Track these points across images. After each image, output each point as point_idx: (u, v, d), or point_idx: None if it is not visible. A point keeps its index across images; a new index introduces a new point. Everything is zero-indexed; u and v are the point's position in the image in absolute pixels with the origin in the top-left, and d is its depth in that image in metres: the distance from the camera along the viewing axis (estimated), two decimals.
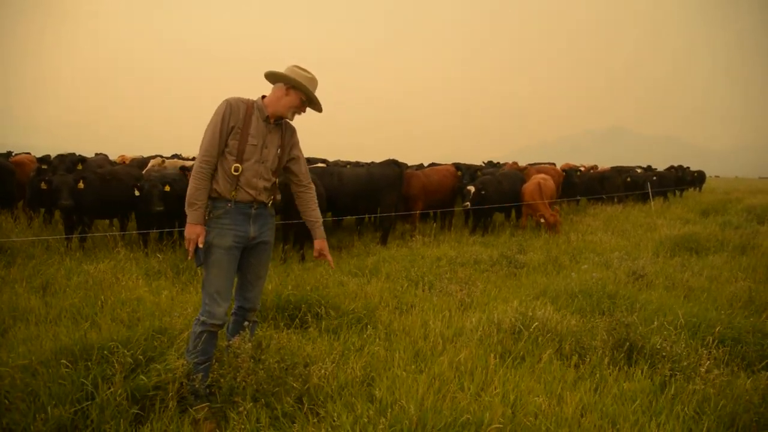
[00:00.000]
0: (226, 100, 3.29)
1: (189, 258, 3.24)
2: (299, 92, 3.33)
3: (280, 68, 3.38)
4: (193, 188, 3.20)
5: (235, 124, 3.25)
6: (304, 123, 3.55)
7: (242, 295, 3.52)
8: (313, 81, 3.35)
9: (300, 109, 3.38)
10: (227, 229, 3.26)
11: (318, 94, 3.40)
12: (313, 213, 3.61)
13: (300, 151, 3.58)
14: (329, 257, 3.60)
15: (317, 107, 3.49)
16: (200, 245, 3.19)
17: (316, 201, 3.66)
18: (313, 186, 3.66)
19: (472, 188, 10.18)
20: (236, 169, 3.23)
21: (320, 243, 3.58)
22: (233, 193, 3.25)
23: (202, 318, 3.25)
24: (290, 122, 3.52)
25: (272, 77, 3.39)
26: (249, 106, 3.32)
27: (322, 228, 3.62)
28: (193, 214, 3.19)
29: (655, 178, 16.78)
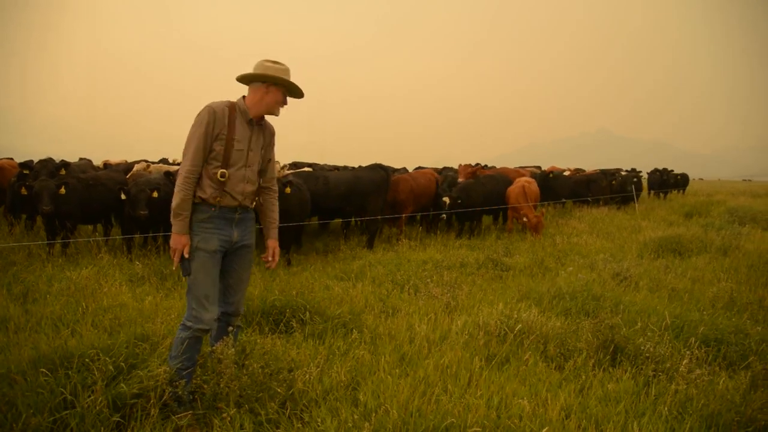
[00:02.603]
0: (208, 106, 3.23)
1: (174, 268, 3.18)
2: (280, 87, 3.31)
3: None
4: (180, 198, 3.16)
5: (220, 131, 3.21)
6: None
7: (226, 300, 3.48)
8: (287, 71, 3.33)
9: (283, 102, 3.36)
10: (212, 233, 3.23)
11: (310, 92, 3.42)
12: (273, 214, 3.62)
13: (274, 153, 3.57)
14: (277, 259, 3.58)
15: (299, 95, 3.46)
16: (186, 255, 3.16)
17: (277, 204, 3.65)
18: (277, 190, 3.65)
19: (447, 200, 10.22)
20: (222, 175, 3.21)
21: (273, 243, 3.58)
22: (218, 198, 3.22)
23: (188, 323, 3.20)
24: (270, 123, 3.51)
25: (247, 78, 3.35)
26: (231, 109, 3.28)
27: (276, 229, 3.63)
28: (179, 224, 3.16)
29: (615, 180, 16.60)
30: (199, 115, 3.22)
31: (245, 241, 3.40)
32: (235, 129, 3.25)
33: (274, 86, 3.30)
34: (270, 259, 3.55)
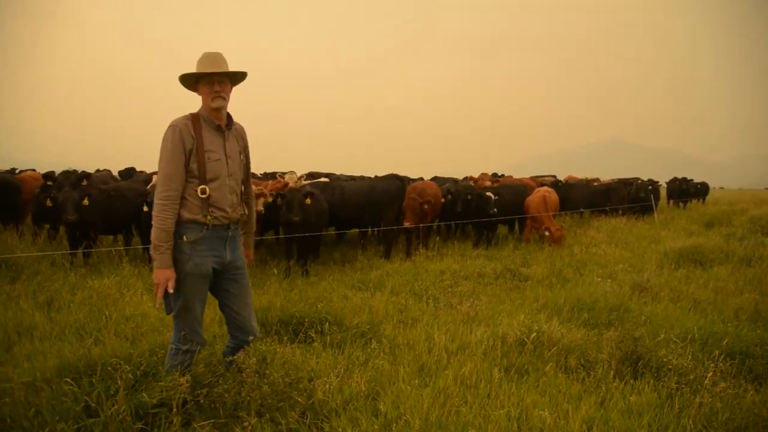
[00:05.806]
0: (171, 125, 3.05)
1: (157, 305, 3.00)
2: (203, 80, 3.13)
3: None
4: (159, 228, 2.97)
5: (191, 147, 3.05)
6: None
7: (242, 329, 3.38)
8: (209, 57, 3.11)
9: (215, 90, 3.11)
10: (206, 255, 3.11)
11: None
12: (251, 221, 3.58)
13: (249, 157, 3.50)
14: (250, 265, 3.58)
15: (238, 75, 3.22)
16: (170, 290, 2.99)
17: (254, 211, 3.63)
18: (251, 193, 3.55)
19: (491, 195, 10.22)
20: (203, 191, 3.07)
21: (250, 252, 3.59)
22: (208, 217, 3.09)
23: (183, 347, 3.17)
24: (240, 125, 3.37)
25: (186, 86, 3.22)
26: (194, 120, 3.12)
27: (253, 238, 3.65)
28: (160, 258, 2.97)
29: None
30: (164, 138, 3.05)
31: (238, 261, 3.30)
32: (204, 139, 3.10)
33: (200, 82, 3.14)
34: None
